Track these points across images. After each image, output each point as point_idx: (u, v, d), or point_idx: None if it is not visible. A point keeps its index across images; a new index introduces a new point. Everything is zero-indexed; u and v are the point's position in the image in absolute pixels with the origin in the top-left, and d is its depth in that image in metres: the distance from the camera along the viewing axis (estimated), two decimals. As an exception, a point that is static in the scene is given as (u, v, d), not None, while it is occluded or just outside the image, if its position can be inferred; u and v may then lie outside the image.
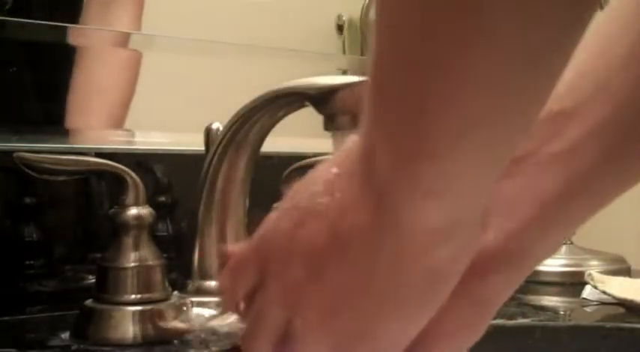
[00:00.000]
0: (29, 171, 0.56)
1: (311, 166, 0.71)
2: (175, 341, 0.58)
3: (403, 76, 0.25)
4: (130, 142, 0.79)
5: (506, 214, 0.32)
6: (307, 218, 0.31)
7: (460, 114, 0.25)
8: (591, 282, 0.75)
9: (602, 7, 0.31)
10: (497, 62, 0.23)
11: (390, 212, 0.27)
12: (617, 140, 0.32)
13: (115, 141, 0.78)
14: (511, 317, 0.66)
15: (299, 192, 0.32)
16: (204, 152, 0.63)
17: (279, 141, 0.68)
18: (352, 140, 0.30)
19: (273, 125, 0.61)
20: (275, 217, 0.33)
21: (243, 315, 0.35)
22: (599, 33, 0.33)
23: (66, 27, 0.77)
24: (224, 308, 0.37)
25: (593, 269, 0.79)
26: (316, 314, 0.31)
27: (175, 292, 0.62)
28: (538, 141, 0.32)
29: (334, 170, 0.30)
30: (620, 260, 0.88)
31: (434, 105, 0.25)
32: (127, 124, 0.80)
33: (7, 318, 0.66)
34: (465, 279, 0.31)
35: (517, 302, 0.74)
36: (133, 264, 0.58)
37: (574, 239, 0.92)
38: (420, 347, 0.32)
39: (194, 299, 0.61)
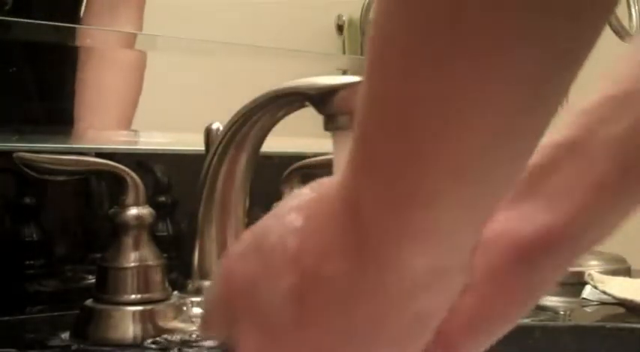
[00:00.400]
0: (29, 171, 0.56)
1: (311, 166, 0.71)
2: (175, 341, 0.58)
3: (394, 126, 0.25)
4: (129, 142, 0.79)
5: (560, 197, 0.31)
6: (275, 266, 0.29)
7: (452, 169, 0.24)
8: (591, 282, 0.75)
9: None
10: (494, 114, 0.23)
11: (373, 258, 0.27)
12: None
13: (115, 141, 0.78)
14: (511, 317, 0.66)
15: (261, 234, 0.31)
16: (204, 152, 0.63)
17: (279, 141, 0.68)
18: (318, 182, 0.29)
19: (273, 125, 0.61)
20: (235, 264, 0.31)
21: None
22: None
23: (66, 27, 0.77)
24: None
25: (593, 269, 0.79)
26: None
27: (175, 292, 0.62)
28: (592, 124, 0.31)
29: (302, 213, 0.29)
30: (620, 260, 0.88)
31: (428, 157, 0.24)
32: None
33: (7, 318, 0.66)
34: (513, 264, 0.30)
35: (517, 302, 0.74)
36: (133, 264, 0.58)
37: (574, 239, 0.91)
38: (467, 329, 0.32)
39: (194, 299, 0.61)
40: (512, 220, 0.31)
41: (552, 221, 0.31)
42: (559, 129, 0.32)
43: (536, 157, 0.31)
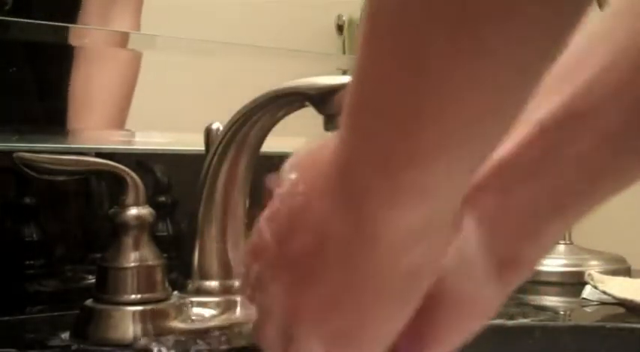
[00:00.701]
0: (29, 171, 0.56)
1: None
2: (175, 341, 0.58)
3: (392, 92, 0.26)
4: (130, 142, 0.79)
5: (518, 221, 0.33)
6: (289, 230, 0.32)
7: (443, 129, 0.26)
8: (591, 282, 0.75)
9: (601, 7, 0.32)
10: (479, 96, 0.25)
11: (369, 217, 0.29)
12: (626, 144, 0.33)
13: (115, 141, 0.78)
14: (511, 317, 0.66)
15: (278, 204, 0.34)
16: (204, 152, 0.63)
17: (279, 141, 0.68)
18: (316, 144, 0.32)
19: (273, 125, 0.61)
20: (260, 229, 0.35)
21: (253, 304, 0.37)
22: (608, 40, 0.33)
23: (66, 27, 0.77)
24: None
25: (593, 269, 0.79)
26: (307, 316, 0.32)
27: (175, 292, 0.62)
28: (555, 141, 0.33)
29: (305, 185, 0.32)
30: (620, 260, 0.88)
31: (418, 120, 0.26)
32: (127, 124, 0.80)
33: (7, 318, 0.66)
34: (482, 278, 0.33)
35: (517, 302, 0.74)
36: (133, 264, 0.58)
37: (574, 239, 0.92)
38: (430, 329, 0.34)
39: (194, 299, 0.61)
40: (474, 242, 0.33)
41: (511, 249, 0.34)
42: (516, 148, 0.33)
43: (491, 179, 0.33)
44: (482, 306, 0.35)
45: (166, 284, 0.60)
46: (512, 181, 0.33)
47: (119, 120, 0.80)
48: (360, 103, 0.28)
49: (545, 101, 0.32)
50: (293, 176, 0.33)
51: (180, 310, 0.60)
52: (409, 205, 0.28)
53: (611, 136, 0.32)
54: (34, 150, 0.63)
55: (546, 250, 0.35)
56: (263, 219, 0.35)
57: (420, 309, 0.32)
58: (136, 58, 0.83)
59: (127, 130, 0.80)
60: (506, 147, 0.33)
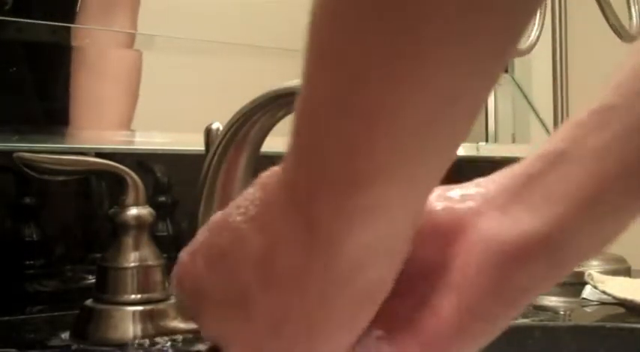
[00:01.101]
0: (29, 171, 0.56)
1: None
2: (175, 341, 0.58)
3: (331, 117, 0.26)
4: (130, 142, 0.79)
5: (545, 205, 0.31)
6: (220, 258, 0.31)
7: (389, 153, 0.25)
8: (591, 282, 0.75)
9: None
10: (428, 104, 0.24)
11: (318, 239, 0.28)
12: None
13: (115, 141, 0.78)
14: (511, 317, 0.66)
15: (203, 238, 0.32)
16: (204, 152, 0.63)
17: (279, 141, 0.68)
18: (261, 176, 0.31)
19: (273, 125, 0.61)
20: (190, 257, 0.33)
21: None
22: None
23: (66, 27, 0.77)
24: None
25: (593, 269, 0.79)
26: (246, 349, 0.31)
27: (175, 292, 0.62)
28: (582, 134, 0.31)
29: (256, 196, 0.31)
30: (620, 260, 0.88)
31: (365, 144, 0.25)
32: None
33: (7, 318, 0.66)
34: (498, 268, 0.31)
35: (517, 302, 0.74)
36: (133, 264, 0.58)
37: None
38: (452, 331, 0.32)
39: (194, 299, 0.61)
40: (498, 224, 0.32)
41: (537, 227, 0.31)
42: (551, 140, 0.32)
43: (524, 165, 0.32)
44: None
45: (166, 284, 0.60)
46: (541, 167, 0.32)
47: (124, 127, 0.80)
48: (303, 122, 0.28)
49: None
50: (215, 216, 0.32)
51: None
52: (363, 225, 0.27)
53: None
54: (34, 150, 0.63)
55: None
56: (185, 252, 0.33)
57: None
58: (138, 60, 0.83)
59: (130, 130, 0.80)
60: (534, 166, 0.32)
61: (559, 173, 0.31)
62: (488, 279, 0.31)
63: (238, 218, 0.30)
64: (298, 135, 0.28)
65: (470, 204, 0.32)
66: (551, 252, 0.32)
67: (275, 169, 0.30)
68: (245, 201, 0.31)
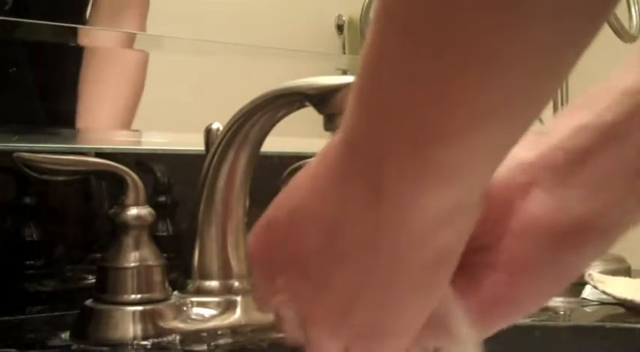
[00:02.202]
0: (29, 171, 0.56)
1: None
2: (175, 341, 0.58)
3: (422, 62, 0.24)
4: (129, 142, 0.79)
5: (596, 187, 0.31)
6: (289, 231, 0.31)
7: (481, 103, 0.24)
8: (591, 282, 0.75)
9: None
10: (525, 54, 0.23)
11: (392, 201, 0.27)
12: None
13: (115, 141, 0.78)
14: (511, 317, 0.66)
15: (284, 198, 0.32)
16: (204, 152, 0.63)
17: (279, 141, 0.68)
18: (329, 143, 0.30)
19: (273, 125, 0.61)
20: (264, 228, 0.33)
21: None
22: None
23: (66, 27, 0.77)
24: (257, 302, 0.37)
25: (593, 269, 0.79)
26: (325, 320, 0.31)
27: (175, 292, 0.62)
28: (632, 107, 0.31)
29: (318, 170, 0.30)
30: (620, 260, 0.88)
31: (455, 93, 0.24)
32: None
33: (7, 318, 0.66)
34: (545, 251, 0.31)
35: (517, 302, 0.74)
36: (133, 264, 0.58)
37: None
38: (497, 307, 0.32)
39: (194, 299, 0.61)
40: (548, 208, 0.31)
41: (586, 213, 0.31)
42: (598, 110, 0.31)
43: (574, 140, 0.31)
44: (558, 271, 0.33)
45: (166, 284, 0.60)
46: (592, 143, 0.31)
47: (127, 121, 0.80)
48: (381, 77, 0.26)
49: (629, 73, 0.31)
50: (286, 187, 0.32)
51: (180, 310, 0.60)
52: (439, 186, 0.26)
53: None
54: (34, 150, 0.63)
55: (627, 218, 0.32)
56: (258, 226, 0.33)
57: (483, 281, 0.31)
58: (144, 59, 0.83)
59: (134, 130, 0.80)
60: (583, 112, 0.31)
61: (611, 152, 0.31)
62: (532, 265, 0.31)
63: (302, 193, 0.30)
64: (370, 90, 0.26)
65: (523, 178, 0.32)
66: (600, 237, 0.32)
67: (334, 139, 0.29)
68: (306, 176, 0.30)
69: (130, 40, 0.83)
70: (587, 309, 0.74)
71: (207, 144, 0.63)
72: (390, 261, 0.28)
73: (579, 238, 0.31)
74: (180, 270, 0.64)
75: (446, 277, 0.29)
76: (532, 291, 0.32)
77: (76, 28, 0.78)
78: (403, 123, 0.25)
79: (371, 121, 0.27)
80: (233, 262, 0.63)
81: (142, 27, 0.82)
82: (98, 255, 0.61)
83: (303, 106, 0.58)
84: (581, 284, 0.77)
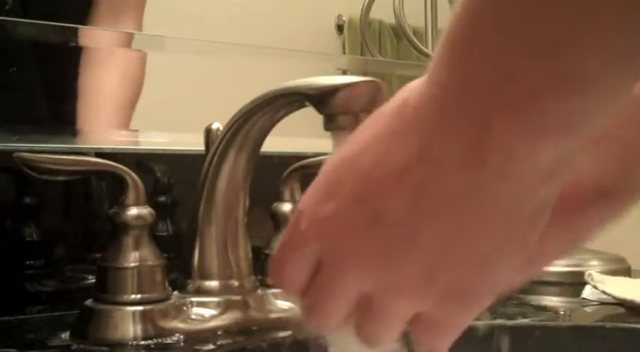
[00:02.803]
0: (29, 171, 0.56)
1: (311, 166, 0.71)
2: (175, 341, 0.58)
3: (541, 6, 0.23)
4: (130, 142, 0.79)
5: (628, 157, 0.32)
6: (373, 184, 0.28)
7: (602, 53, 0.23)
8: (591, 282, 0.75)
9: None
10: None
11: (500, 154, 0.25)
12: None
13: (115, 141, 0.78)
14: (511, 317, 0.66)
15: (350, 155, 0.29)
16: (204, 152, 0.63)
17: (279, 141, 0.68)
18: (406, 93, 0.28)
19: (273, 125, 0.61)
20: (322, 191, 0.29)
21: (303, 294, 0.31)
22: None
23: (66, 27, 0.77)
24: (279, 285, 0.32)
25: (593, 269, 0.79)
26: (410, 285, 0.28)
27: (175, 292, 0.62)
28: None
29: (394, 127, 0.27)
30: (620, 260, 0.88)
31: (575, 42, 0.23)
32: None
33: (7, 318, 0.66)
34: (566, 210, 0.31)
35: (517, 302, 0.74)
36: (133, 264, 0.58)
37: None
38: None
39: (194, 299, 0.61)
40: (586, 169, 0.32)
41: (613, 180, 0.32)
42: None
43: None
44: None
45: (166, 284, 0.60)
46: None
47: (126, 121, 0.80)
48: (496, 23, 0.24)
49: None
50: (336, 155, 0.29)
51: (180, 310, 0.60)
52: (557, 138, 0.25)
53: None
54: (34, 150, 0.63)
55: None
56: (315, 189, 0.30)
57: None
58: (142, 59, 0.84)
59: (134, 130, 0.80)
60: None
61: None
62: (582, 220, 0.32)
63: (377, 149, 0.28)
64: (485, 34, 0.24)
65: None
66: (622, 198, 0.33)
67: (414, 84, 0.27)
68: (380, 134, 0.28)
69: (128, 40, 0.83)
70: (587, 309, 0.74)
71: (207, 144, 0.63)
72: (491, 214, 0.27)
73: (605, 202, 0.33)
74: (180, 270, 0.64)
75: (538, 230, 0.28)
76: (549, 250, 0.33)
77: (76, 28, 0.78)
78: (524, 73, 0.24)
79: (475, 73, 0.25)
80: (233, 262, 0.63)
81: (140, 25, 0.82)
82: (98, 255, 0.61)
83: (303, 106, 0.58)
84: (581, 284, 0.77)
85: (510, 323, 0.65)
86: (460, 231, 0.27)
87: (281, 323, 0.63)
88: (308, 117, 0.58)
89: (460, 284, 0.28)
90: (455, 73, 0.25)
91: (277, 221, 0.68)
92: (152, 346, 0.57)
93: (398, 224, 0.27)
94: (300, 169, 0.69)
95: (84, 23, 0.79)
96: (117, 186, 0.60)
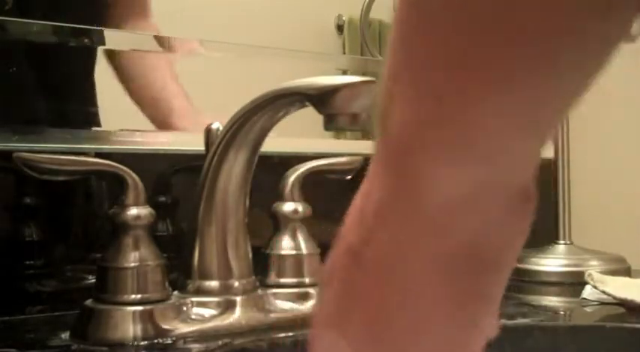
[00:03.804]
0: (29, 171, 0.56)
1: (312, 168, 0.70)
2: (175, 341, 0.58)
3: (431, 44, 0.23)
4: (130, 142, 0.79)
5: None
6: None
7: (491, 72, 0.22)
8: (591, 282, 0.75)
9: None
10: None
11: (413, 176, 0.24)
12: None
13: (115, 141, 0.78)
14: (511, 317, 0.66)
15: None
16: (204, 152, 0.63)
17: (279, 141, 0.68)
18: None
19: (273, 125, 0.61)
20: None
21: None
22: None
23: (66, 27, 0.77)
24: None
25: (593, 269, 0.79)
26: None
27: (175, 292, 0.62)
28: None
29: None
30: (620, 260, 0.88)
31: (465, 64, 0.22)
32: (127, 124, 0.80)
33: (7, 318, 0.66)
34: None
35: (517, 302, 0.74)
36: (133, 264, 0.58)
37: (574, 239, 0.92)
38: None
39: (194, 299, 0.61)
40: None
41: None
42: None
43: None
44: None
45: (166, 284, 0.60)
46: None
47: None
48: (402, 52, 0.24)
49: None
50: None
51: (180, 310, 0.60)
52: (461, 161, 0.23)
53: None
54: (34, 150, 0.63)
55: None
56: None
57: None
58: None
59: (134, 130, 0.80)
60: None
61: None
62: None
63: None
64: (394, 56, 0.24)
65: None
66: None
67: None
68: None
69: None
70: (587, 309, 0.74)
71: (207, 144, 0.63)
72: (403, 256, 0.25)
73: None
74: (180, 270, 0.64)
75: (484, 301, 0.26)
76: None
77: (77, 28, 0.78)
78: (415, 101, 0.24)
79: (393, 102, 0.25)
80: (233, 262, 0.63)
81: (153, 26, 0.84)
82: (98, 255, 0.61)
83: (303, 106, 0.58)
84: (581, 284, 0.77)
85: (510, 323, 0.65)
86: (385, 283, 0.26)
87: (281, 323, 0.63)
88: (308, 117, 0.58)
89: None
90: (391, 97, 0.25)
91: (277, 221, 0.68)
92: (152, 346, 0.57)
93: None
94: (300, 170, 0.69)
95: (85, 23, 0.79)
96: (117, 186, 0.60)
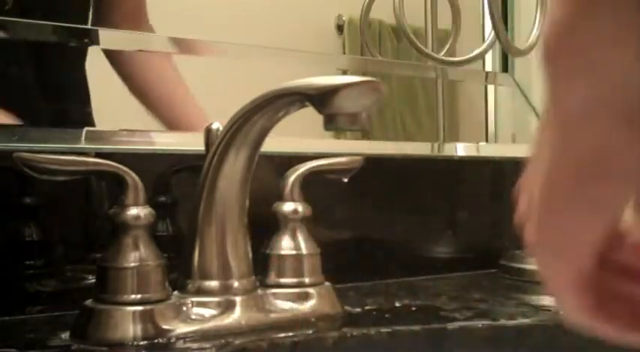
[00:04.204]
0: (29, 171, 0.56)
1: (312, 168, 0.70)
2: (175, 341, 0.58)
3: None
4: (130, 142, 0.79)
5: None
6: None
7: None
8: (591, 282, 0.75)
9: None
10: None
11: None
12: None
13: (115, 141, 0.78)
14: (511, 317, 0.66)
15: None
16: (204, 152, 0.63)
17: (279, 141, 0.68)
18: None
19: (273, 125, 0.61)
20: None
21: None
22: None
23: (66, 27, 0.77)
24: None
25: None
26: None
27: (175, 292, 0.62)
28: None
29: None
30: (620, 260, 0.88)
31: None
32: (127, 124, 0.80)
33: (7, 318, 0.66)
34: None
35: (517, 302, 0.74)
36: (133, 264, 0.58)
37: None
38: None
39: (194, 299, 0.61)
40: None
41: None
42: None
43: None
44: None
45: (166, 284, 0.61)
46: None
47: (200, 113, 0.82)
48: None
49: None
50: None
51: (180, 310, 0.60)
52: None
53: None
54: (34, 150, 0.63)
55: None
56: None
57: None
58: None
59: (134, 130, 0.80)
60: None
61: None
62: None
63: None
64: None
65: None
66: None
67: None
68: None
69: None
70: (587, 309, 0.74)
71: (207, 144, 0.63)
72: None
73: None
74: (180, 270, 0.64)
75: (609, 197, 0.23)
76: None
77: (78, 29, 0.78)
78: None
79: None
80: (233, 262, 0.63)
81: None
82: (98, 255, 0.61)
83: (303, 106, 0.58)
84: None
85: (510, 323, 0.65)
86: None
87: (281, 323, 0.63)
88: (308, 117, 0.58)
89: None
90: None
91: (277, 221, 0.68)
92: (152, 346, 0.57)
93: None
94: (299, 169, 0.69)
95: (85, 23, 0.79)
96: (117, 186, 0.60)
